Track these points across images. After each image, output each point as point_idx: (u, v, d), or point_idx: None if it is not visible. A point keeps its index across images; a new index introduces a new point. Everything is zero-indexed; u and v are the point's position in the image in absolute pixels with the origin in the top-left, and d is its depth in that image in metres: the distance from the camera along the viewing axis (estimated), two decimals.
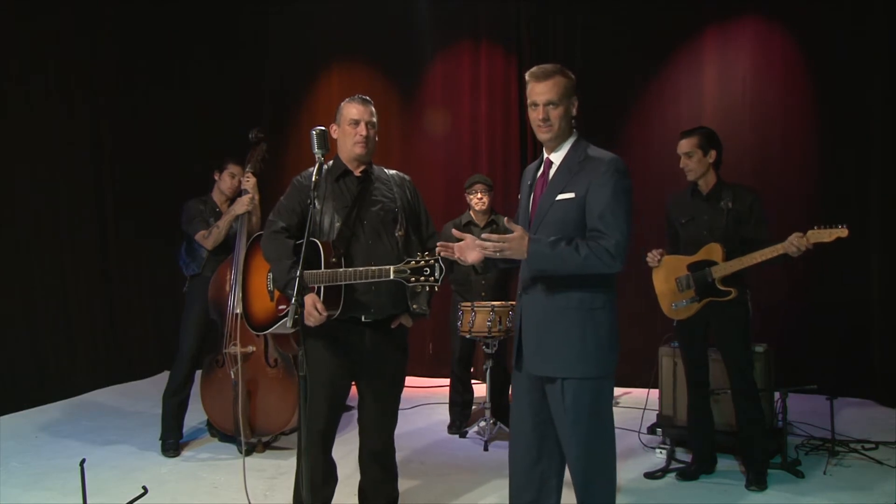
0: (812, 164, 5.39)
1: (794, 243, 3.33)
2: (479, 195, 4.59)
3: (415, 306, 2.80)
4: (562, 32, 5.97)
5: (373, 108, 2.88)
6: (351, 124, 2.80)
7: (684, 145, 3.63)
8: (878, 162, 5.14)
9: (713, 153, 3.60)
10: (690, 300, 3.67)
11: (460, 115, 6.32)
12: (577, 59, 5.87)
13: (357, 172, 2.86)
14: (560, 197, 2.43)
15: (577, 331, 2.40)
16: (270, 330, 2.96)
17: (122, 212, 6.13)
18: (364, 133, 2.80)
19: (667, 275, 3.79)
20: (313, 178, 2.56)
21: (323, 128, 2.62)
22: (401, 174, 3.02)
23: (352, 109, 2.82)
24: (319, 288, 2.62)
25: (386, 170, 3.00)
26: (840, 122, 5.29)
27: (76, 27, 5.77)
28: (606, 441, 2.48)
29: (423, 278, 2.47)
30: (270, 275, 2.90)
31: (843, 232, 3.22)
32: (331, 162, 2.88)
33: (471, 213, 4.68)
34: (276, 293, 2.89)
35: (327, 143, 2.58)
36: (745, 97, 5.53)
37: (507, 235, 2.37)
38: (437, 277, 2.46)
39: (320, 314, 2.59)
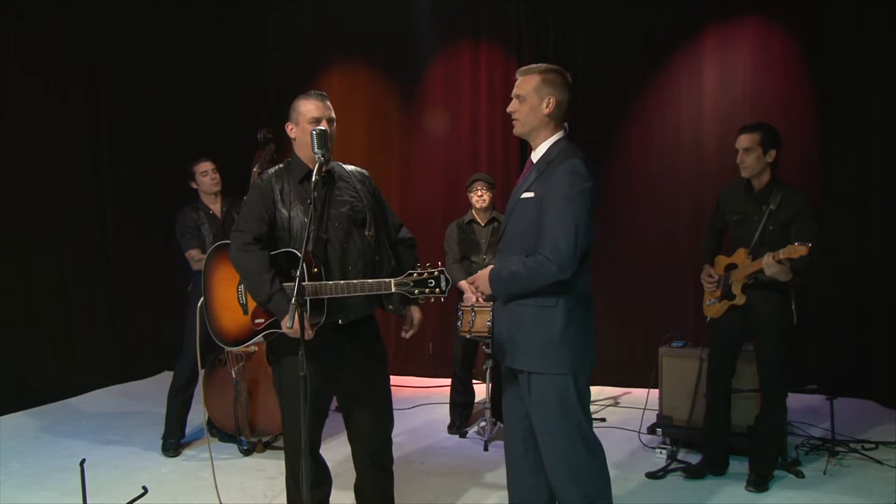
0: (812, 163, 5.38)
1: (765, 260, 3.34)
2: (479, 192, 4.59)
3: (390, 307, 2.77)
4: (562, 32, 5.97)
5: (329, 103, 2.75)
6: (311, 122, 2.67)
7: (744, 140, 3.52)
8: (877, 161, 5.14)
9: (773, 153, 3.51)
10: (716, 300, 3.70)
11: (460, 116, 6.31)
12: (578, 59, 5.87)
13: (322, 172, 2.73)
14: (524, 195, 2.51)
15: (529, 325, 2.48)
16: (246, 344, 2.78)
17: (122, 212, 6.13)
18: (331, 133, 2.69)
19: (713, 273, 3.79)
20: (313, 178, 2.50)
21: (323, 128, 2.60)
22: (360, 170, 2.91)
23: (310, 106, 2.69)
24: (306, 300, 2.54)
25: (344, 165, 2.89)
26: (840, 122, 5.29)
27: (76, 27, 5.77)
28: (574, 439, 2.47)
29: (427, 290, 2.46)
30: (241, 287, 2.75)
31: (803, 250, 3.18)
32: (287, 161, 2.80)
33: (472, 212, 4.68)
34: (251, 307, 2.72)
35: (327, 142, 2.55)
36: (745, 97, 5.52)
37: (476, 275, 2.61)
38: (443, 289, 2.45)
39: (306, 331, 2.50)
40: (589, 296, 2.55)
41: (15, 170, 5.29)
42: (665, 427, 4.21)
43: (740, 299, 3.56)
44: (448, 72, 6.34)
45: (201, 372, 4.37)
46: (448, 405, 4.81)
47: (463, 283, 4.49)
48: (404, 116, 6.51)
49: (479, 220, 4.67)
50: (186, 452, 4.32)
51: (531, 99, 2.51)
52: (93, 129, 5.95)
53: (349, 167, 2.89)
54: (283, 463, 3.93)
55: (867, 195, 5.21)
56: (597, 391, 5.68)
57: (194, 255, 4.25)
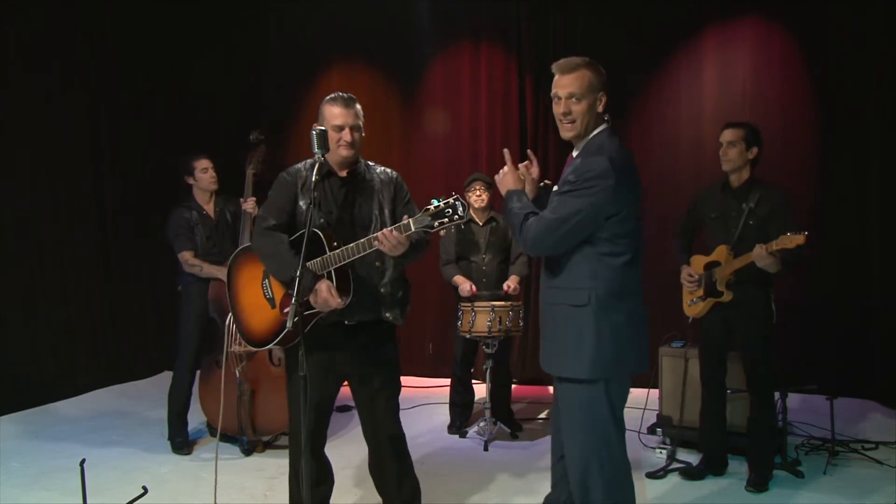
0: (812, 163, 5.39)
1: (756, 252, 3.34)
2: (478, 192, 4.59)
3: (388, 315, 2.73)
4: (562, 32, 5.97)
5: (357, 108, 2.74)
6: (335, 129, 2.69)
7: (728, 134, 3.59)
8: (877, 162, 5.14)
9: (755, 150, 3.58)
10: (699, 299, 3.70)
11: (460, 115, 6.31)
12: None
13: (342, 173, 2.79)
14: (554, 188, 2.47)
15: (561, 326, 2.40)
16: (279, 339, 2.73)
17: (121, 212, 6.13)
18: (349, 139, 2.69)
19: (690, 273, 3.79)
20: (313, 178, 2.51)
21: (323, 128, 2.58)
22: (388, 172, 2.89)
23: (335, 111, 2.70)
24: (330, 274, 2.59)
25: (375, 167, 2.89)
26: (840, 122, 5.29)
27: (76, 27, 5.76)
28: (601, 455, 2.35)
29: (447, 220, 2.39)
30: (266, 281, 2.79)
31: (801, 238, 3.19)
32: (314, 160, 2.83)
33: (470, 211, 4.67)
34: (278, 298, 2.74)
35: (327, 142, 2.55)
36: (745, 97, 5.52)
37: (507, 175, 2.58)
38: (461, 214, 2.38)
39: (335, 299, 2.53)
40: (630, 296, 2.42)
41: (15, 169, 5.29)
42: (665, 427, 4.22)
43: (727, 296, 3.57)
44: (448, 72, 6.34)
45: (199, 373, 4.39)
46: (448, 405, 4.81)
47: (458, 278, 4.49)
48: (404, 116, 6.51)
49: (477, 220, 4.66)
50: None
51: (587, 97, 2.38)
52: (93, 129, 5.94)
53: (378, 168, 2.88)
54: (283, 462, 3.94)
55: (867, 195, 5.21)
56: None
57: (188, 259, 4.23)
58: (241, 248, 2.95)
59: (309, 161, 2.83)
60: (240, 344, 4.16)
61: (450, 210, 2.38)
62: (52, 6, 5.52)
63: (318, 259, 2.60)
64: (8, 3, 5.21)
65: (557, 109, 2.42)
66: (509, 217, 2.49)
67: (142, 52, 6.30)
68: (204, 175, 4.35)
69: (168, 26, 6.48)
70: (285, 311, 2.68)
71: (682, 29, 5.68)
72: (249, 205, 4.25)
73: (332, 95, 2.76)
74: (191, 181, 4.39)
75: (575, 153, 2.47)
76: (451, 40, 6.33)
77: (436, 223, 2.40)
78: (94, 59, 5.92)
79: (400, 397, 2.89)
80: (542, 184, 2.72)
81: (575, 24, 5.92)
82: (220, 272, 4.19)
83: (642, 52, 5.74)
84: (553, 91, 2.43)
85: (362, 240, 2.54)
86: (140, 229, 6.24)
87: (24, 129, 5.33)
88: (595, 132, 2.42)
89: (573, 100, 2.38)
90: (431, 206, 2.41)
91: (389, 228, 2.51)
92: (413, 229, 2.44)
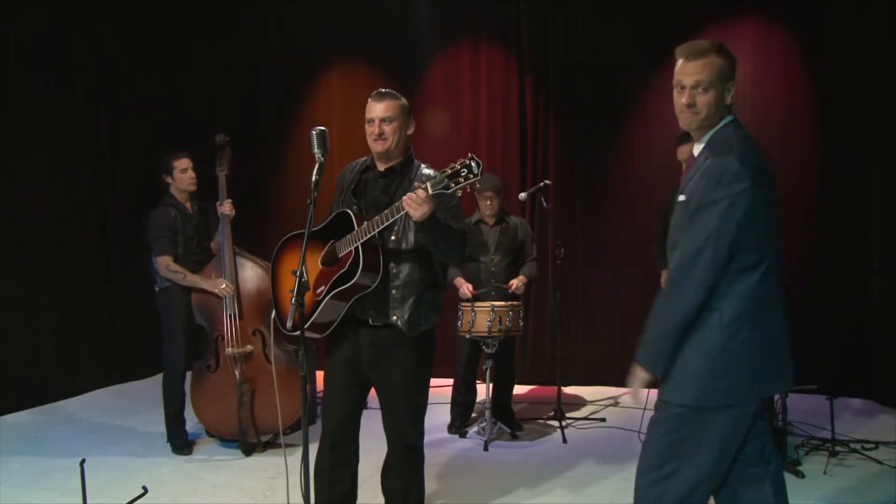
0: (812, 163, 5.39)
1: None
2: (488, 202, 4.59)
3: (394, 317, 2.69)
4: (562, 32, 5.97)
5: (390, 102, 2.74)
6: (368, 123, 2.75)
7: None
8: (878, 162, 5.14)
9: None
10: None
11: (460, 115, 6.31)
12: (578, 58, 5.87)
13: (381, 168, 2.81)
14: (680, 198, 2.18)
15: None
16: (316, 315, 2.71)
17: (122, 212, 6.12)
18: (377, 131, 2.72)
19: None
20: (313, 178, 2.51)
21: (323, 128, 2.58)
22: (432, 174, 2.80)
23: (369, 107, 2.76)
24: (358, 251, 2.59)
25: (424, 168, 2.87)
26: (840, 122, 5.29)
27: (76, 27, 5.76)
28: (653, 480, 2.21)
29: (462, 179, 2.40)
30: (303, 268, 2.70)
31: None
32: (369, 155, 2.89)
33: (479, 212, 4.69)
34: (312, 281, 2.71)
35: (327, 143, 2.55)
36: (745, 97, 5.52)
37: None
38: (476, 173, 2.38)
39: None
40: (767, 311, 2.12)
41: (15, 170, 5.28)
42: None
43: None
44: (448, 72, 6.33)
45: (189, 377, 4.37)
46: (449, 405, 4.81)
47: (458, 280, 4.49)
48: None
49: (486, 221, 4.66)
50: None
51: (716, 87, 2.14)
52: (93, 128, 5.93)
53: (427, 170, 2.85)
54: (283, 462, 3.94)
55: (867, 195, 5.21)
56: (597, 391, 5.68)
57: (169, 265, 4.16)
58: (287, 235, 2.94)
59: (360, 159, 2.91)
60: (233, 346, 4.16)
61: (465, 170, 2.39)
62: (52, 6, 5.52)
63: (348, 235, 2.65)
64: (8, 3, 5.21)
65: (679, 99, 2.15)
66: (659, 339, 2.32)
67: (142, 51, 6.30)
68: (183, 175, 4.30)
69: (168, 26, 6.48)
70: (317, 291, 2.69)
71: (682, 29, 5.64)
72: (227, 207, 4.22)
73: (373, 93, 2.80)
74: (169, 180, 4.33)
75: (697, 150, 2.21)
76: (451, 40, 6.33)
77: (452, 184, 2.41)
78: (94, 59, 5.91)
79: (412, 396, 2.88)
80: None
81: (575, 24, 5.92)
82: (204, 282, 4.16)
83: (642, 51, 5.74)
84: (676, 78, 2.17)
85: (387, 210, 2.56)
86: (140, 229, 6.22)
87: (24, 128, 5.33)
88: (720, 125, 2.18)
89: (699, 90, 2.13)
90: (448, 169, 2.43)
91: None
92: (431, 192, 2.44)
